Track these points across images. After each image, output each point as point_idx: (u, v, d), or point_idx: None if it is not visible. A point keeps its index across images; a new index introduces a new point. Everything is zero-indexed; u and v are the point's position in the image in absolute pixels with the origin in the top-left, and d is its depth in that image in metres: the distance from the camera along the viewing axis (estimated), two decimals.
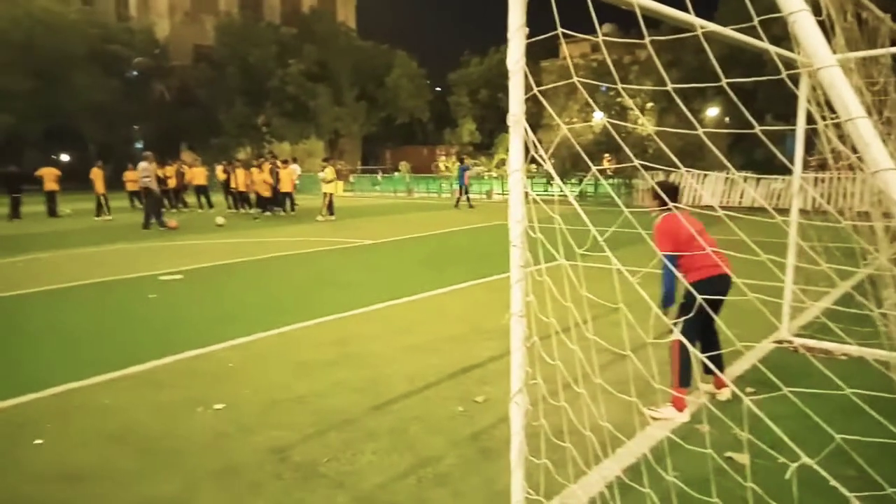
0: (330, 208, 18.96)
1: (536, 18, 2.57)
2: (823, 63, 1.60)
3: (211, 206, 23.06)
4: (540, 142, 2.65)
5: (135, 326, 6.92)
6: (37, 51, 33.06)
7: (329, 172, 19.11)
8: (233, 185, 22.60)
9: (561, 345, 2.91)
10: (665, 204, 3.94)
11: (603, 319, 3.21)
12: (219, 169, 24.61)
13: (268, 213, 20.39)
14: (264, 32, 38.49)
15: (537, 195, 2.62)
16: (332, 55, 39.52)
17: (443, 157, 43.74)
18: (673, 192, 4.04)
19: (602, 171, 21.67)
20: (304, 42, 38.68)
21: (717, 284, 3.88)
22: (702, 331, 4.04)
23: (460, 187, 23.64)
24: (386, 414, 4.39)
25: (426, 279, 9.25)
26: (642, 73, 25.52)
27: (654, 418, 4.02)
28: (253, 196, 21.96)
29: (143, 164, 17.19)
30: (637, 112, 25.14)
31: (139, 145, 40.62)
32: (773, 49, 3.40)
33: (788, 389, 2.11)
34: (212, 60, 38.34)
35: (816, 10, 2.49)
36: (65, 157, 41.43)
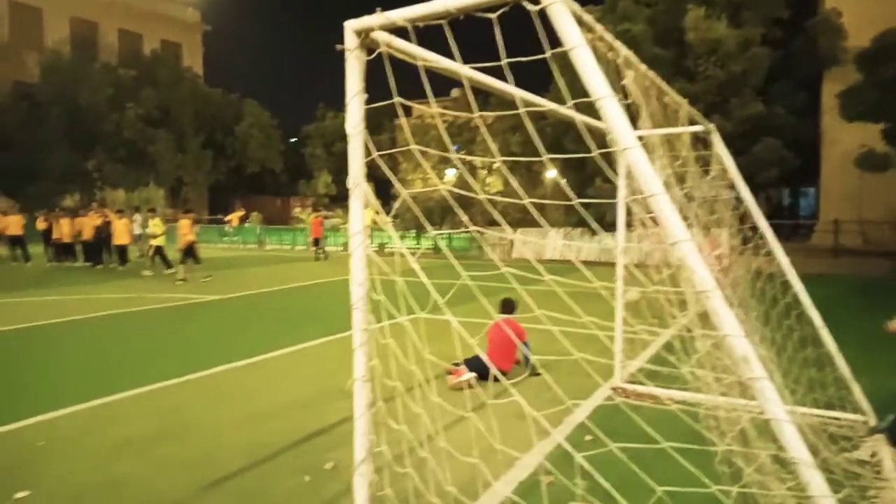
0: (165, 261, 17.40)
1: (387, 75, 2.61)
2: (626, 145, 1.77)
3: (28, 258, 20.52)
4: (395, 196, 2.68)
5: None
6: None
7: (156, 225, 17.43)
8: (55, 235, 20.43)
9: (406, 407, 2.87)
10: (505, 311, 6.74)
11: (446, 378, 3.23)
12: (39, 219, 22.01)
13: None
14: (98, 73, 35.66)
15: (392, 248, 2.61)
16: (174, 100, 37.48)
17: (298, 209, 42.88)
18: (507, 305, 6.80)
19: (457, 225, 22.45)
20: (145, 85, 36.37)
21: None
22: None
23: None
24: (221, 492, 4.02)
25: (273, 337, 8.82)
26: (491, 135, 27.05)
27: (457, 385, 5.94)
28: (79, 248, 20.10)
29: None
30: (483, 173, 26.56)
31: None
32: (593, 124, 3.75)
33: (616, 445, 2.23)
34: (34, 100, 34.69)
35: (625, 94, 2.80)
36: None
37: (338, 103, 45.67)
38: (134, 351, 8.19)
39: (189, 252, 16.19)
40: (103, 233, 19.22)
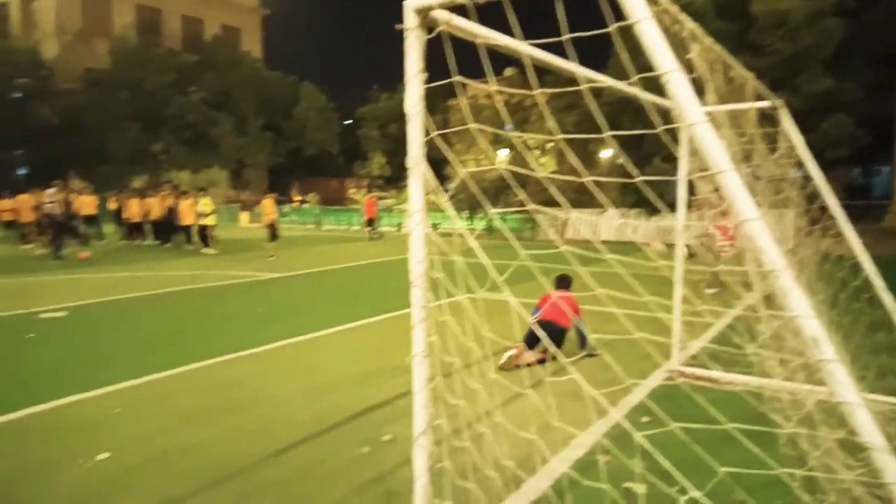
0: (204, 240, 18.20)
1: (442, 55, 2.63)
2: (694, 120, 1.73)
3: (101, 237, 21.62)
4: (448, 177, 2.71)
5: (6, 370, 6.29)
6: None
7: (206, 204, 18.18)
8: (125, 214, 21.46)
9: (463, 383, 2.92)
10: (561, 287, 6.74)
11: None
12: (110, 199, 23.21)
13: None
14: (163, 58, 36.98)
15: (446, 228, 2.65)
16: (235, 84, 38.53)
17: (353, 190, 43.54)
18: (562, 280, 6.80)
19: (509, 206, 22.36)
20: (206, 70, 37.49)
21: (543, 325, 5.90)
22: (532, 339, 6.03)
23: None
24: (284, 461, 4.19)
25: (332, 314, 9.06)
26: (545, 114, 26.63)
27: (506, 366, 5.87)
28: (148, 227, 21.10)
29: (50, 191, 16.88)
30: (537, 154, 26.23)
31: (22, 171, 37.53)
32: (655, 101, 3.66)
33: (676, 424, 2.21)
34: (104, 85, 36.30)
35: (690, 70, 2.72)
36: None
37: (391, 84, 45.91)
38: (199, 325, 8.57)
39: (271, 229, 17.05)
40: (173, 213, 20.05)
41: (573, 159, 2.01)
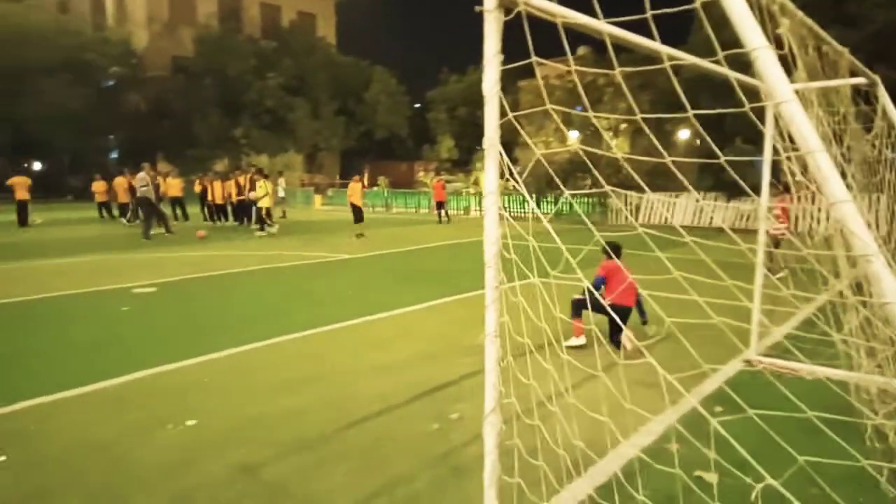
0: (260, 221, 18.92)
1: (513, 38, 2.63)
2: (783, 98, 1.67)
3: (187, 218, 22.80)
4: (517, 160, 2.71)
5: (104, 340, 6.80)
6: (3, 58, 32.42)
7: (262, 187, 18.80)
8: (209, 197, 22.53)
9: (535, 363, 2.95)
10: (610, 256, 5.99)
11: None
12: (195, 182, 24.49)
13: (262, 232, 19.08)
14: (243, 45, 38.39)
15: (514, 212, 2.67)
16: (310, 69, 39.56)
17: (422, 173, 43.90)
18: (616, 249, 6.02)
19: (579, 189, 21.97)
20: (283, 56, 38.65)
21: (617, 309, 5.98)
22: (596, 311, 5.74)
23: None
24: (358, 432, 4.37)
25: (402, 295, 9.24)
26: (617, 95, 25.91)
27: (571, 346, 5.94)
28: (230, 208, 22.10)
29: (140, 175, 17.71)
30: (609, 136, 25.56)
31: (114, 155, 40.10)
32: (739, 79, 3.52)
33: (753, 412, 2.16)
34: (189, 72, 38.09)
35: (779, 45, 2.60)
36: (37, 166, 40.81)
37: (461, 67, 45.82)
38: (277, 302, 8.94)
39: (357, 212, 18.07)
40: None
41: (655, 141, 1.97)
